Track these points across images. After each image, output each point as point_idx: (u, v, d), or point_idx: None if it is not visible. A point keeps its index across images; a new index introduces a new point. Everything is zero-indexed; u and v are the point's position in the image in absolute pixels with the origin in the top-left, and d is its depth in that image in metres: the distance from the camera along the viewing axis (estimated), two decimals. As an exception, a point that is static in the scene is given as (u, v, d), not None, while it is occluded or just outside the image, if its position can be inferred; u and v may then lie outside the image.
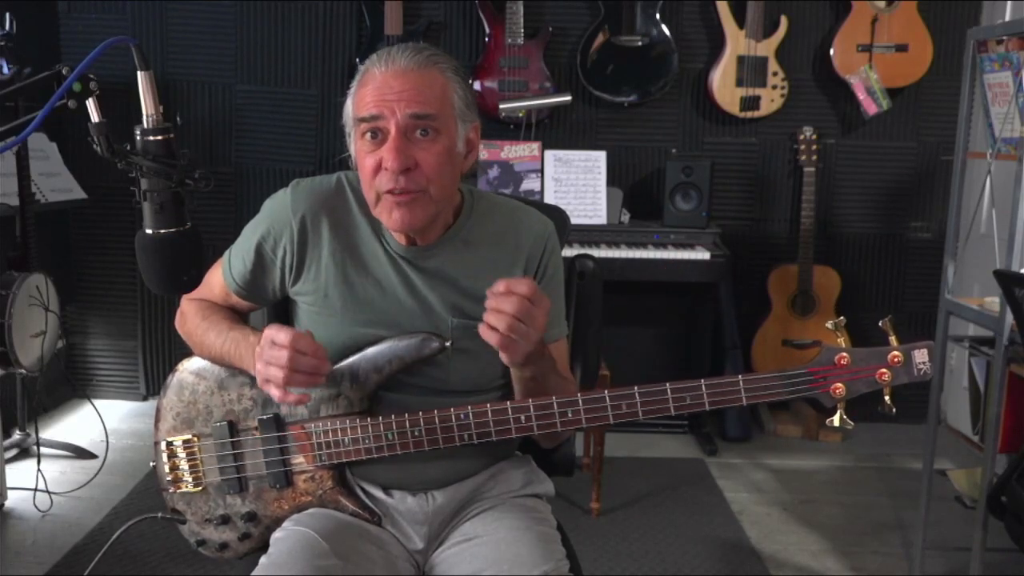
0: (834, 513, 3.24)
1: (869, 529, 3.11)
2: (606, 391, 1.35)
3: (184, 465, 1.49)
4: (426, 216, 1.41)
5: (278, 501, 1.46)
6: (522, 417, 1.36)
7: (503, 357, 1.32)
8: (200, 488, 1.49)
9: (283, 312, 1.58)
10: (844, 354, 1.34)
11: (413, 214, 1.39)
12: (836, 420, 1.36)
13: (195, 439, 1.48)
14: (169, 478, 1.50)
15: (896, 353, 1.33)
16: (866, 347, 1.35)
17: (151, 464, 1.53)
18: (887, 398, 1.35)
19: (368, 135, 1.37)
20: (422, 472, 1.47)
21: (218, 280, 1.56)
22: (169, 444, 1.50)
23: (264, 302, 1.58)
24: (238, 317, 1.57)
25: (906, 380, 1.34)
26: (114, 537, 1.61)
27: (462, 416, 1.37)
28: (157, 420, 1.52)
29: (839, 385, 1.34)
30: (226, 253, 1.56)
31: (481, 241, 1.49)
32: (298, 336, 1.32)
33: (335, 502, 1.46)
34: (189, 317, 1.57)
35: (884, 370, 1.33)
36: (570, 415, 1.35)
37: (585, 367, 1.79)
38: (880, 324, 1.36)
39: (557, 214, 1.81)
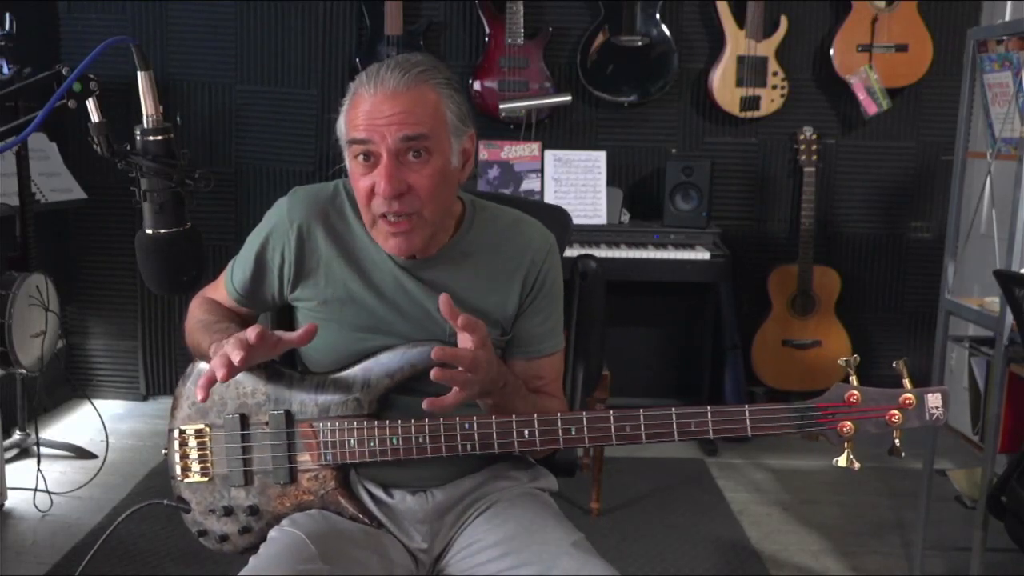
0: (834, 513, 3.24)
1: (869, 529, 3.11)
2: (611, 412, 1.37)
3: (194, 454, 1.51)
4: (422, 240, 1.43)
5: (281, 498, 1.47)
6: (526, 432, 1.37)
7: None
8: (207, 478, 1.50)
9: (286, 318, 1.60)
10: (855, 392, 1.32)
11: (410, 241, 1.42)
12: (842, 460, 1.33)
13: (207, 429, 1.50)
14: (178, 466, 1.52)
15: (908, 396, 1.32)
16: (880, 387, 1.33)
17: (163, 452, 1.54)
18: (897, 441, 1.33)
19: (361, 157, 1.39)
20: (421, 471, 1.48)
21: (222, 289, 1.60)
22: (182, 432, 1.51)
23: (264, 308, 1.61)
24: (237, 319, 1.58)
25: (917, 424, 1.32)
26: (120, 520, 1.59)
27: (466, 426, 1.38)
28: (173, 408, 1.53)
29: (847, 423, 1.33)
30: (231, 262, 1.59)
31: (479, 253, 1.50)
32: (263, 332, 1.32)
33: (335, 504, 1.46)
34: (192, 311, 1.59)
35: (895, 411, 1.32)
36: (573, 433, 1.37)
37: (587, 368, 1.79)
38: (894, 365, 1.33)
39: (558, 214, 1.81)
